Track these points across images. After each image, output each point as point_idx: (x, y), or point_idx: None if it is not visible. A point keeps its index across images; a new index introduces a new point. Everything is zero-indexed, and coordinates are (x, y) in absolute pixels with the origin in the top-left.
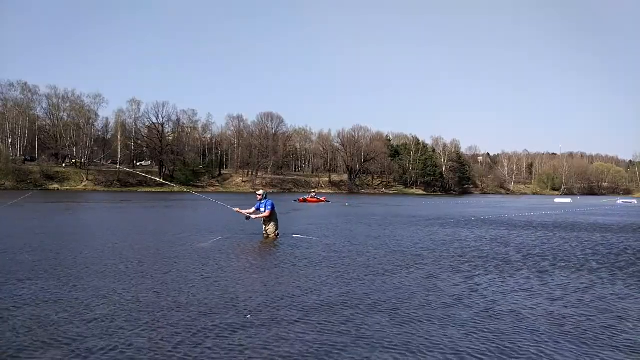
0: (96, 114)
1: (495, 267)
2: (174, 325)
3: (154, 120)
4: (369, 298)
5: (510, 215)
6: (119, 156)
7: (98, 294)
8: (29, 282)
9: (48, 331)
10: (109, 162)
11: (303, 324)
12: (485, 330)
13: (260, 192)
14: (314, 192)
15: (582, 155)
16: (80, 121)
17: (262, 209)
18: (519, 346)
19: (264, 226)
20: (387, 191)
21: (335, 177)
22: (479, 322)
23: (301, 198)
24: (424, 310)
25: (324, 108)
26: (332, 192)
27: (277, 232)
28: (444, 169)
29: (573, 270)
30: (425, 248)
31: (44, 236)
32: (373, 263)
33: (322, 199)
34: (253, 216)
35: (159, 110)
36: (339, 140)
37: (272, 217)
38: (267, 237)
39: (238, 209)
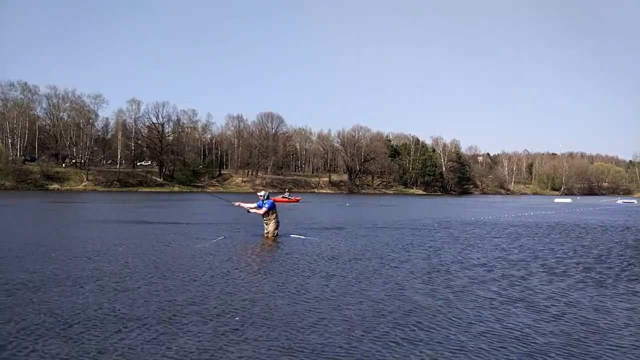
0: (96, 114)
1: (468, 278)
2: (160, 324)
3: (154, 120)
4: (353, 306)
5: (503, 216)
6: (119, 156)
7: (90, 294)
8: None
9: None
10: (109, 162)
11: (287, 331)
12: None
13: (262, 193)
14: (287, 192)
15: (582, 155)
16: (80, 121)
17: (263, 208)
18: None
19: (265, 225)
20: (387, 191)
21: (335, 177)
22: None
23: (272, 198)
24: (397, 327)
25: (324, 108)
26: (332, 192)
27: (276, 232)
28: (443, 169)
29: (549, 277)
30: (408, 252)
31: (43, 240)
32: (362, 267)
33: (293, 199)
34: (252, 210)
35: (159, 110)
36: (339, 140)
37: (271, 217)
38: (267, 236)
39: (239, 203)
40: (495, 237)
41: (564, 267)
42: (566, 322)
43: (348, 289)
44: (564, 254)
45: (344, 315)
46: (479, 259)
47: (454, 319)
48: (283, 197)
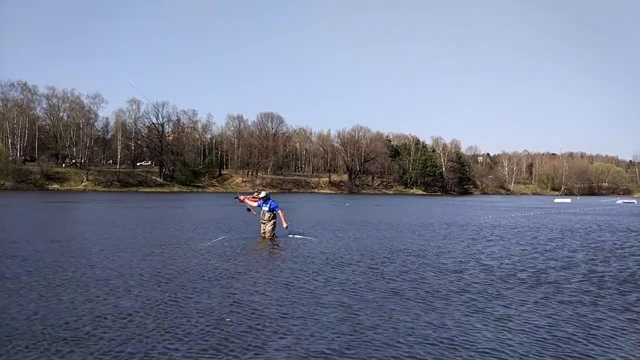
0: (96, 114)
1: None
2: (149, 324)
3: (154, 120)
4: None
5: (491, 217)
6: (119, 156)
7: (90, 293)
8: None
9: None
10: (109, 162)
11: (276, 335)
12: None
13: (262, 194)
14: (256, 192)
15: (582, 155)
16: (80, 121)
17: (265, 208)
18: None
19: (262, 225)
20: (387, 191)
21: (335, 177)
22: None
23: (241, 197)
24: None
25: (324, 108)
26: (332, 192)
27: (273, 233)
28: (443, 169)
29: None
30: (383, 255)
31: (42, 238)
32: (346, 271)
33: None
34: (253, 210)
35: (159, 110)
36: (339, 141)
37: (271, 218)
38: (264, 237)
39: (244, 198)
40: (473, 239)
41: (527, 274)
42: (519, 332)
43: (326, 294)
44: (533, 258)
45: (314, 322)
46: (449, 263)
47: (419, 332)
48: (253, 197)
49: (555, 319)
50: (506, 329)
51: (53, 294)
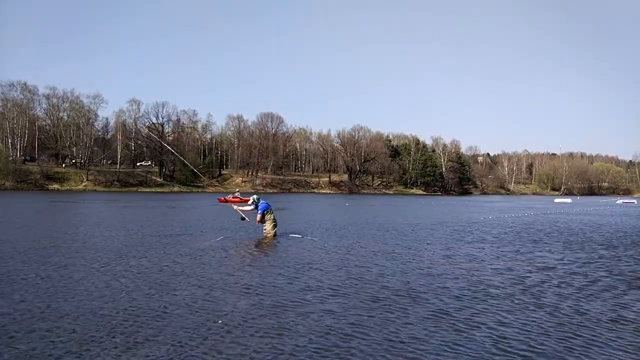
0: (96, 114)
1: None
2: (142, 327)
3: (154, 120)
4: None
5: (483, 217)
6: (119, 156)
7: (90, 291)
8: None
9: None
10: (109, 162)
11: (270, 336)
12: None
13: (251, 201)
14: (237, 192)
15: (582, 155)
16: (80, 121)
17: (258, 211)
18: None
19: (263, 226)
20: (387, 191)
21: (335, 177)
22: None
23: (222, 198)
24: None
25: (324, 108)
26: (332, 192)
27: (274, 231)
28: (443, 169)
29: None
30: (370, 258)
31: (41, 237)
32: (340, 275)
33: (244, 199)
34: (247, 216)
35: (159, 110)
36: (339, 141)
37: (267, 218)
38: (267, 236)
39: (225, 198)
40: (457, 240)
41: (507, 278)
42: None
43: (299, 300)
44: (514, 259)
45: (302, 325)
46: (428, 267)
47: (385, 346)
48: (234, 197)
49: (531, 328)
50: (477, 339)
51: (31, 291)
